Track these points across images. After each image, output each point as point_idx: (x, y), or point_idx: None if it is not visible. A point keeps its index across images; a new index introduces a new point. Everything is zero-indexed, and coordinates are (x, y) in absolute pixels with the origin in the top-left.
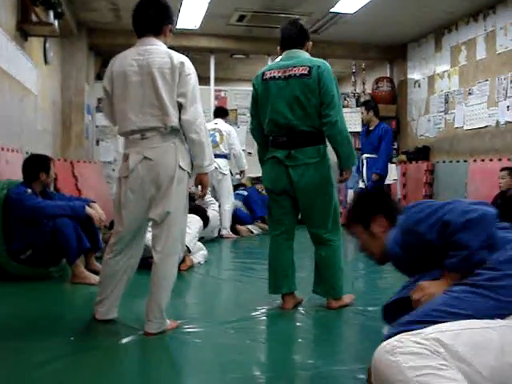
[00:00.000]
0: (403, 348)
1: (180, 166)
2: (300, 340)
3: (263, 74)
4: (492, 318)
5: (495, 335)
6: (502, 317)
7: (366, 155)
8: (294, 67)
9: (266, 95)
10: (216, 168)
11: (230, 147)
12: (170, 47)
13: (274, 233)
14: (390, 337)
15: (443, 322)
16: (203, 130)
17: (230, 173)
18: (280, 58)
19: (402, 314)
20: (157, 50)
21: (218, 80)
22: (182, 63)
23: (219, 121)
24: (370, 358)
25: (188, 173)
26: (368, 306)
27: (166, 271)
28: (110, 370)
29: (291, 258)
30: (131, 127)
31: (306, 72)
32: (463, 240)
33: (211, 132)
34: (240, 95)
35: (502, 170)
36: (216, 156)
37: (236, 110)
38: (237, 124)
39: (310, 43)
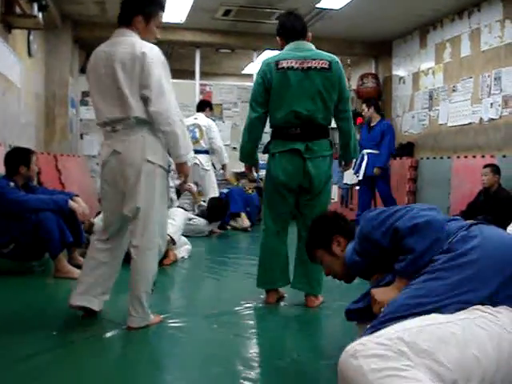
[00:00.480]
0: (365, 351)
1: (148, 160)
2: (283, 334)
3: (277, 62)
4: (455, 298)
5: (457, 328)
6: (465, 297)
7: (366, 150)
8: (313, 60)
9: (284, 85)
10: (198, 164)
11: (211, 141)
12: (156, 41)
13: (273, 228)
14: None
15: (411, 315)
16: (176, 120)
17: (214, 167)
18: (288, 48)
19: (365, 315)
20: (124, 40)
21: (203, 74)
22: (144, 53)
23: (200, 115)
24: None
25: (161, 166)
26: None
27: (144, 266)
28: (92, 364)
29: (287, 253)
30: (103, 119)
31: (326, 66)
32: (409, 244)
33: (191, 128)
34: (225, 90)
35: (485, 166)
36: (197, 152)
37: (221, 104)
38: (222, 119)
39: (310, 34)
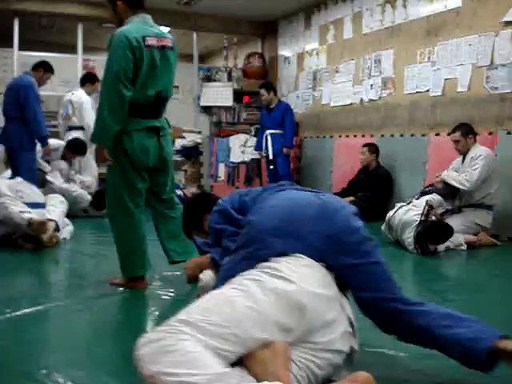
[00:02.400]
0: (145, 339)
1: None
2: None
3: (144, 38)
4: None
5: (238, 302)
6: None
7: (269, 131)
8: (164, 38)
9: (150, 64)
10: None
11: (81, 118)
12: (33, 13)
13: (136, 210)
14: None
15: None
16: None
17: None
18: (139, 21)
19: None
20: None
21: (86, 49)
22: None
23: (78, 91)
24: None
25: None
26: None
27: None
28: None
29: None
30: None
31: (172, 45)
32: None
33: (65, 103)
34: None
35: (363, 146)
36: (70, 128)
37: None
38: None
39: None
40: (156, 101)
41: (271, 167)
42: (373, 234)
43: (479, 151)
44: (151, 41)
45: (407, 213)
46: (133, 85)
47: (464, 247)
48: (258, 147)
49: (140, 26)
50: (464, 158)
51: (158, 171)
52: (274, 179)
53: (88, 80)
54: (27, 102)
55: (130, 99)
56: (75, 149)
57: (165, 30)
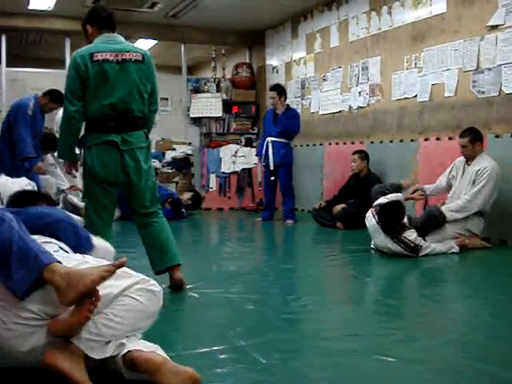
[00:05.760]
0: None
1: None
2: None
3: (91, 54)
4: None
5: None
6: None
7: (271, 139)
8: (128, 52)
9: (100, 78)
10: None
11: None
12: (19, 28)
13: (99, 222)
14: None
15: None
16: None
17: None
18: (100, 40)
19: None
20: None
21: None
22: None
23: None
24: None
25: None
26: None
27: None
28: None
29: None
30: None
31: (140, 58)
32: None
33: (58, 120)
34: None
35: (354, 153)
36: None
37: None
38: None
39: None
40: (117, 114)
41: (272, 178)
42: (364, 240)
43: (485, 164)
44: (101, 55)
45: (371, 220)
46: (83, 98)
47: (456, 250)
48: (259, 154)
49: (95, 45)
50: (467, 162)
51: (127, 185)
52: (272, 191)
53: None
54: (15, 122)
55: (89, 114)
56: (46, 144)
57: (143, 44)
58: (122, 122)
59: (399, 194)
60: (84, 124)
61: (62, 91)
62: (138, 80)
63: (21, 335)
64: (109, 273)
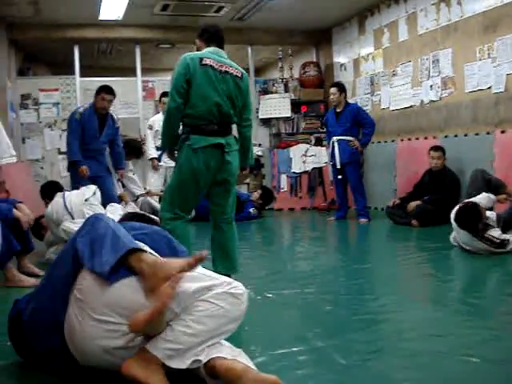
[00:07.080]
0: None
1: None
2: None
3: (201, 58)
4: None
5: None
6: None
7: (336, 138)
8: (230, 67)
9: (206, 80)
10: None
11: None
12: (91, 39)
13: (183, 217)
14: None
15: None
16: None
17: None
18: (209, 50)
19: None
20: None
21: (144, 70)
22: None
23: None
24: None
25: None
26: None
27: None
28: None
29: None
30: None
31: (239, 75)
32: None
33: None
34: (168, 85)
35: (434, 150)
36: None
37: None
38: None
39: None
40: (220, 117)
41: (339, 177)
42: (441, 237)
43: None
44: (208, 61)
45: None
46: (185, 96)
47: None
48: (330, 158)
49: (204, 52)
50: None
51: (220, 185)
52: (343, 190)
53: None
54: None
55: (196, 114)
56: (130, 150)
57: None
58: (224, 127)
59: (491, 196)
60: (182, 127)
61: (135, 97)
62: (233, 93)
63: (95, 337)
64: (190, 265)
